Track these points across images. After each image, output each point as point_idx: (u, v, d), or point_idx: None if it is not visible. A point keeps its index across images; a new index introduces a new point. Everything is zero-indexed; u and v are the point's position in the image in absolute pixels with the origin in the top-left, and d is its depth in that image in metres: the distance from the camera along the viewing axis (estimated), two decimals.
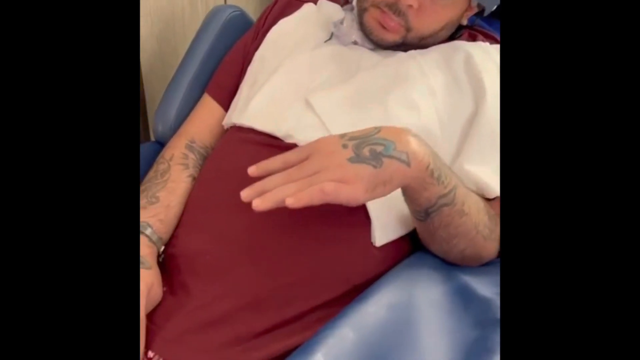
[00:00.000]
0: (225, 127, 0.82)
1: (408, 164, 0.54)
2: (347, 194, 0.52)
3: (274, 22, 0.89)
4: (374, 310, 0.54)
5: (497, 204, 0.73)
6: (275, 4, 0.92)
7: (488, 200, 0.71)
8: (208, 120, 0.84)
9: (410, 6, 0.72)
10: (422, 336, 0.52)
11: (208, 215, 0.69)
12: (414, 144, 0.55)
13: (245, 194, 0.54)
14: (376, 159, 0.53)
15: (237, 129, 0.78)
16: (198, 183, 0.75)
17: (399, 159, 0.54)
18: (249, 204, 0.53)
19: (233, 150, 0.75)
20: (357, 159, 0.53)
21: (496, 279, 0.63)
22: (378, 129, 0.56)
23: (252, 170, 0.57)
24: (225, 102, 0.85)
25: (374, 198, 0.54)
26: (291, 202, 0.50)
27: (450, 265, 0.67)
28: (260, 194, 0.53)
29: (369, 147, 0.54)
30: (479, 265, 0.68)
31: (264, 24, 0.90)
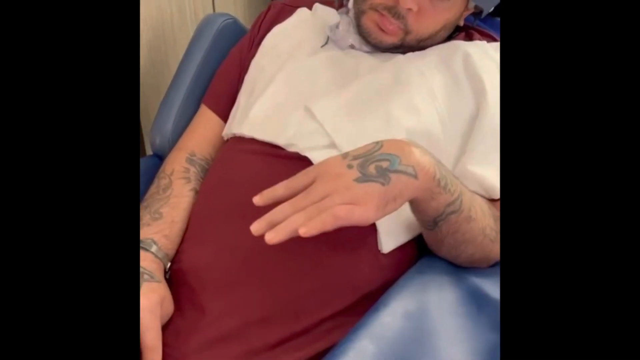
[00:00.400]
0: (225, 138, 0.81)
1: (416, 177, 0.54)
2: (359, 216, 0.51)
3: (268, 28, 0.88)
4: (390, 320, 0.53)
5: None
6: (268, 10, 0.91)
7: (493, 200, 0.71)
8: (207, 132, 0.83)
9: (410, 9, 0.72)
10: (441, 344, 0.51)
11: (213, 228, 0.68)
12: (418, 155, 0.55)
13: (255, 228, 0.52)
14: (383, 175, 0.52)
15: (238, 139, 0.77)
16: (201, 196, 0.75)
17: (406, 173, 0.53)
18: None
19: (235, 161, 0.74)
20: (364, 178, 0.52)
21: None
22: (380, 144, 0.55)
23: (257, 200, 0.55)
24: (223, 113, 0.84)
25: (385, 215, 0.53)
26: (304, 232, 0.49)
27: (459, 268, 0.67)
28: (270, 225, 0.52)
29: (375, 164, 0.53)
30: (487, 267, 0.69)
31: (258, 31, 0.89)
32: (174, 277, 0.69)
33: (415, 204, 0.58)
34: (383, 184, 0.52)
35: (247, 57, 0.87)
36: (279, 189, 0.55)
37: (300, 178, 0.55)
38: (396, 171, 0.53)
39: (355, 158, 0.54)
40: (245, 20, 1.06)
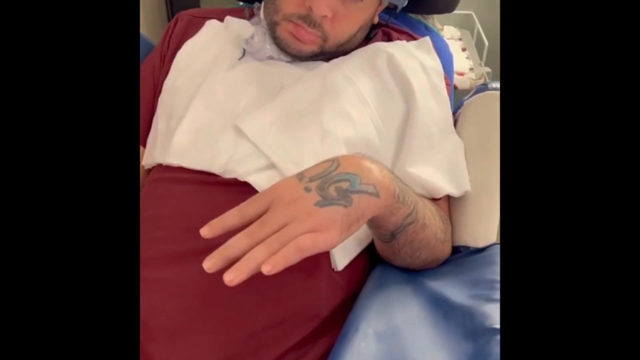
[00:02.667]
0: (147, 167, 0.75)
1: (377, 195, 0.52)
2: (324, 243, 0.48)
3: (178, 43, 0.81)
4: (364, 345, 0.51)
5: (444, 203, 0.74)
6: (175, 23, 0.85)
7: (435, 200, 0.72)
8: None
9: (325, 16, 0.69)
10: (420, 359, 0.50)
11: (153, 271, 0.62)
12: (377, 172, 0.53)
13: (208, 265, 0.47)
14: (345, 197, 0.50)
15: (163, 168, 0.70)
16: None
17: (367, 192, 0.51)
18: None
19: (167, 193, 0.67)
20: (325, 201, 0.49)
21: (459, 279, 0.63)
22: (336, 163, 0.52)
23: (205, 232, 0.49)
24: (144, 139, 0.77)
25: (349, 236, 0.51)
26: (268, 270, 0.45)
27: (413, 273, 0.67)
28: (226, 261, 0.47)
29: (334, 186, 0.50)
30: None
31: (168, 47, 0.82)
32: None
33: (375, 221, 0.56)
34: (345, 206, 0.50)
35: (159, 75, 0.80)
36: (230, 218, 0.50)
37: (253, 204, 0.50)
38: (358, 192, 0.51)
39: (312, 180, 0.51)
40: (150, 34, 0.98)
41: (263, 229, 0.48)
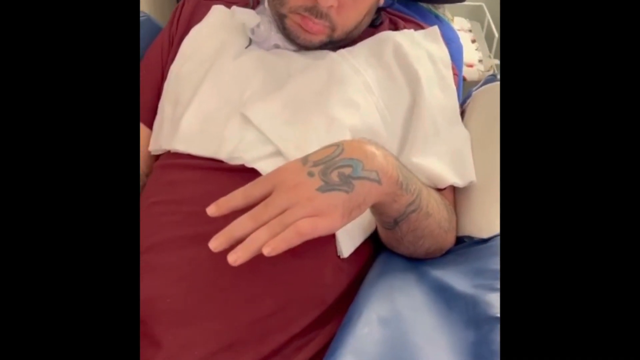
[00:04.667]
0: (154, 153, 0.75)
1: (379, 182, 0.52)
2: (325, 227, 0.49)
3: (186, 27, 0.81)
4: (367, 331, 0.52)
5: (449, 193, 0.74)
6: (183, 5, 0.85)
7: (440, 190, 0.72)
8: None
9: (331, 6, 0.69)
10: (422, 345, 0.51)
11: (160, 255, 0.62)
12: (380, 159, 0.53)
13: (214, 244, 0.49)
14: (347, 183, 0.50)
15: (171, 155, 0.71)
16: (141, 219, 0.67)
17: (369, 179, 0.52)
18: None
19: (175, 179, 0.68)
20: (327, 186, 0.50)
21: (462, 268, 0.63)
22: (340, 148, 0.53)
23: (212, 211, 0.51)
24: (152, 122, 0.77)
25: (350, 221, 0.52)
26: (269, 252, 0.46)
27: (416, 261, 0.67)
28: (230, 240, 0.49)
29: (337, 171, 0.51)
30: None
31: (177, 29, 0.82)
32: None
33: (377, 207, 0.57)
34: (347, 192, 0.50)
35: (167, 57, 0.80)
36: (235, 198, 0.51)
37: (258, 186, 0.52)
38: (359, 177, 0.51)
39: (315, 164, 0.51)
40: (154, 16, 0.98)
41: (266, 211, 0.49)
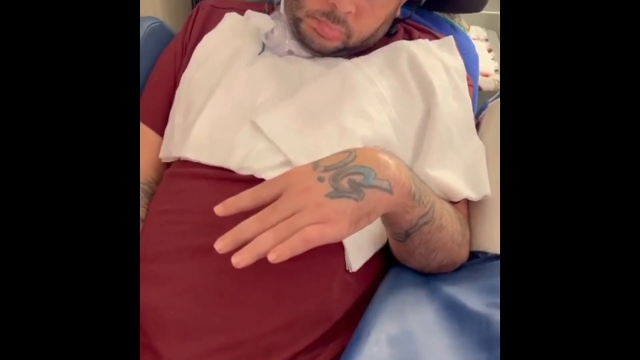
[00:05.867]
0: (164, 161, 0.74)
1: (391, 192, 0.51)
2: (331, 235, 0.48)
3: (199, 33, 0.81)
4: (376, 350, 0.50)
5: (463, 206, 0.72)
6: (197, 13, 0.84)
7: (453, 203, 0.70)
8: (147, 152, 0.75)
9: (349, 12, 0.68)
10: None
11: (165, 264, 0.62)
12: (393, 168, 0.52)
13: (220, 245, 0.48)
14: (357, 191, 0.49)
15: (181, 163, 0.70)
16: (149, 227, 0.67)
17: (380, 188, 0.50)
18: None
19: (184, 188, 0.67)
20: (337, 193, 0.48)
21: (476, 285, 0.62)
22: (353, 155, 0.51)
23: (220, 210, 0.51)
24: (163, 129, 0.76)
25: (358, 230, 0.50)
26: (274, 259, 0.45)
27: (429, 277, 0.65)
28: (236, 242, 0.48)
29: (348, 178, 0.49)
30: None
31: (190, 36, 0.82)
32: None
33: (388, 217, 0.55)
34: (356, 200, 0.49)
35: (180, 64, 0.80)
36: (244, 199, 0.51)
37: (267, 188, 0.51)
38: (370, 186, 0.50)
39: (326, 169, 0.50)
40: (168, 22, 0.97)
41: (274, 214, 0.48)
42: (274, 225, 0.47)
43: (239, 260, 0.46)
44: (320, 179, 0.49)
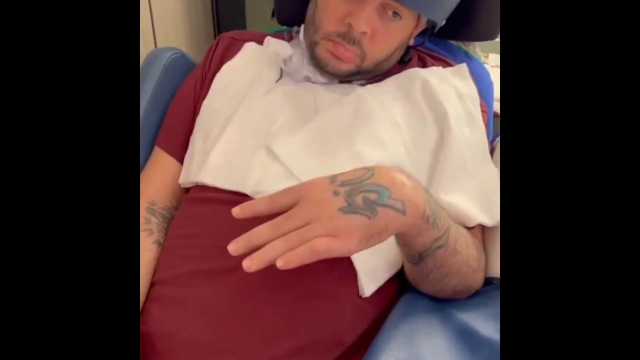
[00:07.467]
0: (183, 186, 0.76)
1: (404, 213, 0.51)
2: (340, 249, 0.49)
3: (219, 63, 0.83)
4: None
5: (478, 232, 0.72)
6: (217, 44, 0.87)
7: (468, 228, 0.70)
8: (165, 178, 0.77)
9: (364, 33, 0.70)
10: None
11: (180, 288, 0.63)
12: (409, 189, 0.52)
13: (233, 248, 0.50)
14: (370, 208, 0.50)
15: (199, 188, 0.72)
16: (165, 250, 0.69)
17: (394, 208, 0.51)
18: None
19: (200, 212, 0.69)
20: (350, 208, 0.49)
21: (490, 311, 0.61)
22: (370, 173, 0.52)
23: (237, 212, 0.52)
24: (181, 156, 0.78)
25: (368, 247, 0.51)
26: (282, 265, 0.47)
27: (442, 302, 0.65)
28: (247, 246, 0.50)
29: (362, 195, 0.50)
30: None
31: (209, 67, 0.84)
32: (141, 341, 0.63)
33: (400, 238, 0.56)
34: (369, 217, 0.50)
35: (200, 93, 0.82)
36: (261, 204, 0.52)
37: (284, 195, 0.52)
38: (384, 205, 0.50)
39: (343, 184, 0.51)
40: (191, 54, 1.01)
41: (286, 223, 0.50)
42: (285, 234, 0.49)
43: (249, 264, 0.48)
44: (336, 193, 0.50)
